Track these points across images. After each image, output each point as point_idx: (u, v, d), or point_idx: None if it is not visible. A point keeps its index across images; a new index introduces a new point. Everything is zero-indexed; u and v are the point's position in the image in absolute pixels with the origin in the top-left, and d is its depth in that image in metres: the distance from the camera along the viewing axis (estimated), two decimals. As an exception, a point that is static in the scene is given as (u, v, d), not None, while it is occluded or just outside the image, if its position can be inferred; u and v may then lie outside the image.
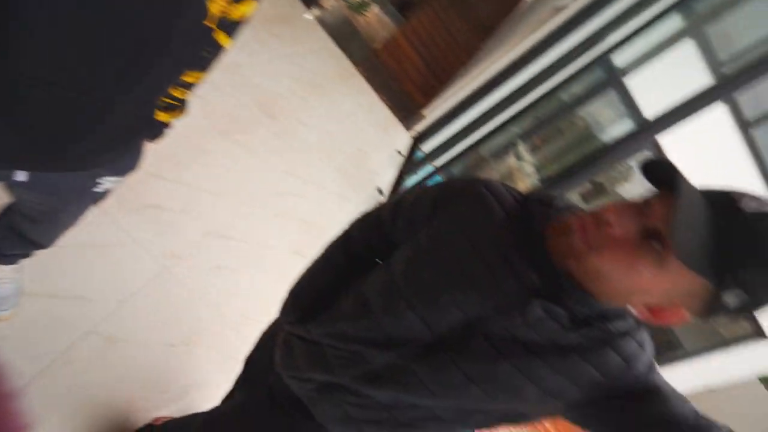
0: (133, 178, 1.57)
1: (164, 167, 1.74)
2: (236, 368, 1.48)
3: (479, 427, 0.68)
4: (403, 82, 5.82)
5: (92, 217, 1.36)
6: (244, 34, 2.99)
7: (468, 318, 0.56)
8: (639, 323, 0.58)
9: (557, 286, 0.53)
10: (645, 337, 0.57)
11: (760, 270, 0.42)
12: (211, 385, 1.43)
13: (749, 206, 0.43)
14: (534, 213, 0.58)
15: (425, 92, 5.82)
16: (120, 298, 1.36)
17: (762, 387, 6.62)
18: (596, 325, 0.54)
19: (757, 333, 5.62)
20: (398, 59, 5.78)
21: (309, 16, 4.63)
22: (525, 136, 3.62)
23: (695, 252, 0.41)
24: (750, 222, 0.42)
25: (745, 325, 5.84)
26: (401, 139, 4.57)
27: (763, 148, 4.38)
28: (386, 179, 3.63)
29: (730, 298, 0.43)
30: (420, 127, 4.77)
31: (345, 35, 5.40)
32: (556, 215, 0.58)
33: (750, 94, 4.28)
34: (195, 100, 2.15)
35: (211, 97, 2.27)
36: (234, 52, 2.85)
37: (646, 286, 0.48)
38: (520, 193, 0.64)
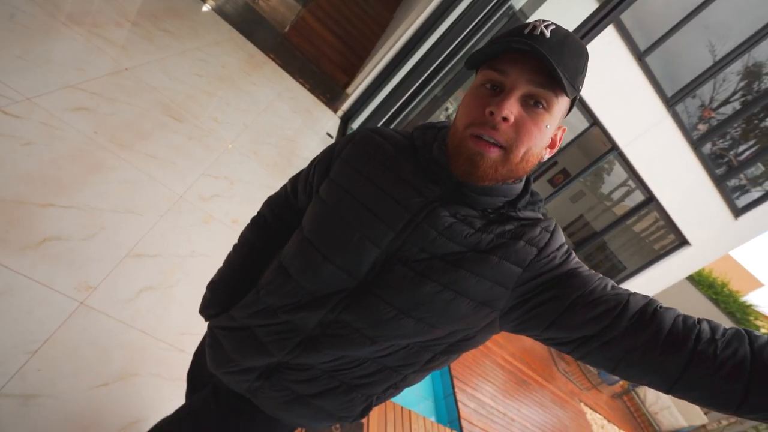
0: (14, 213, 1.40)
1: (53, 194, 1.53)
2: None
3: (431, 367, 0.66)
4: (321, 62, 5.62)
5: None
6: (128, 34, 2.74)
7: (384, 252, 0.56)
8: (544, 214, 0.62)
9: (460, 193, 0.56)
10: (552, 224, 0.59)
11: (585, 69, 0.54)
12: (164, 412, 1.32)
13: (550, 30, 0.50)
14: (418, 141, 0.61)
15: (345, 70, 5.68)
16: (30, 349, 1.18)
17: (689, 284, 7.53)
18: (506, 217, 0.57)
19: (682, 242, 6.33)
20: (310, 40, 5.55)
21: (206, 7, 4.29)
22: (448, 91, 3.65)
23: (572, 80, 0.50)
24: (558, 38, 0.50)
25: (671, 237, 6.55)
26: (330, 120, 4.44)
27: (657, 75, 4.81)
28: (321, 164, 3.52)
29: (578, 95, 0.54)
30: (346, 105, 4.66)
31: (249, 23, 5.08)
32: (442, 136, 0.60)
33: (640, 27, 4.64)
34: (79, 115, 1.93)
35: (101, 109, 2.02)
36: (117, 54, 2.58)
37: (549, 134, 0.54)
38: (404, 130, 0.67)
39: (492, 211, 0.57)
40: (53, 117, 1.77)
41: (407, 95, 2.74)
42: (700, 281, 8.55)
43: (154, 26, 3.04)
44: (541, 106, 0.51)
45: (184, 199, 2.01)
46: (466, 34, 2.83)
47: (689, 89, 4.97)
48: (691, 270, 6.85)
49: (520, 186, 0.59)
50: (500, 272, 0.54)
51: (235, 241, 0.82)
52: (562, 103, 0.53)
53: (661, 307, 0.50)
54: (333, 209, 0.60)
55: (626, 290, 0.53)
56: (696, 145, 5.45)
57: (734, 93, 5.64)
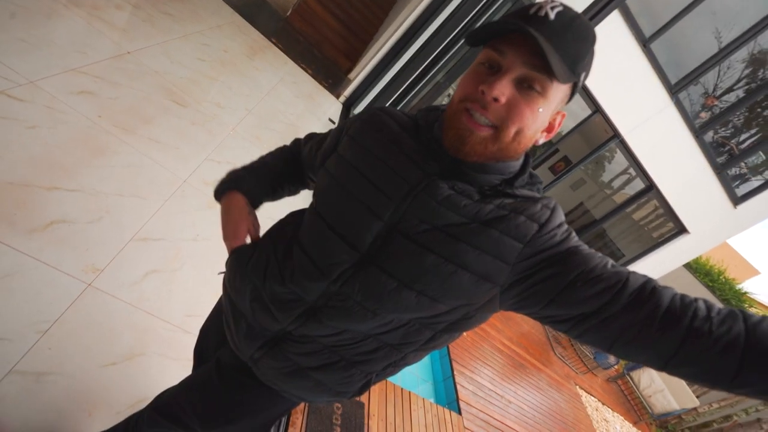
0: (21, 195, 1.41)
1: (58, 177, 1.54)
2: (191, 366, 1.43)
3: (431, 346, 0.67)
4: (324, 47, 5.55)
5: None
6: (129, 17, 2.71)
7: (386, 224, 0.57)
8: (541, 191, 0.63)
9: (458, 170, 0.58)
10: (552, 202, 0.59)
11: (590, 55, 0.53)
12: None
13: (556, 12, 0.50)
14: (422, 120, 0.64)
15: (348, 55, 5.62)
16: (40, 329, 1.22)
17: (686, 271, 7.59)
18: (505, 193, 0.58)
19: (681, 230, 6.36)
20: (313, 24, 5.47)
21: (206, -11, 4.21)
22: (451, 77, 3.62)
23: (566, 70, 0.50)
24: (563, 20, 0.50)
25: (670, 225, 6.58)
26: (332, 106, 4.42)
27: (661, 61, 4.75)
28: (323, 150, 3.51)
29: (579, 81, 0.54)
30: (348, 91, 4.63)
31: (251, 6, 5.00)
32: (442, 113, 0.61)
33: (646, 12, 4.56)
34: (83, 99, 1.93)
35: (104, 93, 2.02)
36: (119, 38, 2.56)
37: (543, 118, 0.55)
38: (410, 112, 0.69)
39: (489, 188, 0.58)
40: (57, 100, 1.77)
41: (409, 81, 2.72)
42: (697, 269, 8.62)
43: (155, 9, 3.00)
44: (535, 90, 0.52)
45: (188, 184, 2.03)
46: (469, 19, 2.80)
47: (693, 76, 4.92)
48: (689, 258, 6.89)
49: (517, 165, 0.60)
50: (501, 246, 0.54)
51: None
52: (560, 88, 0.53)
53: (659, 285, 0.50)
54: (339, 183, 0.63)
55: (626, 269, 0.53)
56: (698, 133, 5.42)
57: (738, 81, 5.58)
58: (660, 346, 0.47)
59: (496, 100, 0.51)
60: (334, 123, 4.12)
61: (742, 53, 5.25)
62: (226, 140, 2.53)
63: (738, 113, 5.88)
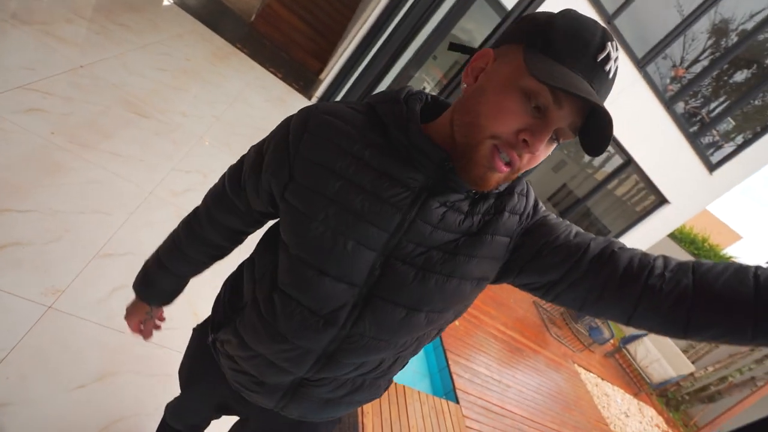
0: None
1: (10, 198, 1.47)
2: (170, 382, 1.37)
3: (436, 335, 0.69)
4: (292, 50, 5.48)
5: None
6: (81, 30, 2.63)
7: (381, 254, 0.54)
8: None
9: (442, 173, 0.53)
10: (525, 187, 0.60)
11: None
12: (149, 406, 1.31)
13: (612, 64, 0.46)
14: (386, 117, 0.55)
15: (318, 56, 5.56)
16: (-2, 357, 1.15)
17: (671, 241, 7.72)
18: (488, 193, 0.57)
19: (662, 201, 6.48)
20: (279, 28, 5.40)
21: (166, 4, 4.11)
22: (418, 63, 3.59)
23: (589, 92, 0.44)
24: (613, 79, 0.47)
25: (651, 197, 6.70)
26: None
27: (627, 37, 4.82)
28: (297, 152, 3.46)
29: None
30: (320, 91, 4.58)
31: (213, 14, 4.90)
32: (415, 116, 0.54)
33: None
34: (33, 116, 1.85)
35: (56, 109, 1.94)
36: (70, 52, 2.48)
37: None
38: (357, 103, 0.59)
39: (475, 191, 0.56)
40: (4, 120, 1.69)
41: (377, 73, 2.70)
42: (681, 238, 8.78)
43: (109, 21, 2.91)
44: (557, 141, 0.50)
45: (155, 195, 1.96)
46: (431, 5, 2.77)
47: (659, 49, 5.00)
48: (672, 227, 7.02)
49: None
50: (493, 248, 0.56)
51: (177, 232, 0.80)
52: None
53: (620, 248, 0.53)
54: (314, 218, 0.53)
55: (590, 235, 0.56)
56: (668, 104, 5.52)
57: (703, 51, 5.71)
58: (621, 305, 0.50)
59: (532, 153, 0.47)
60: (307, 124, 4.07)
61: (704, 24, 5.36)
62: (194, 149, 2.46)
63: (706, 83, 6.01)
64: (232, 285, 0.73)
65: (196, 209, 0.77)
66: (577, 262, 0.52)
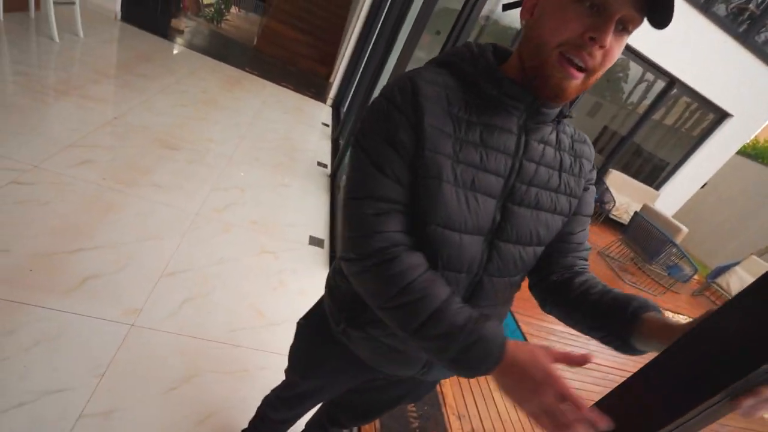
0: (50, 263, 1.50)
1: (78, 239, 1.62)
2: (248, 377, 1.45)
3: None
4: (299, 62, 5.62)
5: (23, 316, 1.28)
6: (109, 87, 2.86)
7: (500, 200, 0.59)
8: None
9: (536, 113, 0.58)
10: (587, 138, 0.69)
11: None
12: (234, 400, 1.38)
13: None
14: (479, 76, 0.58)
15: (324, 61, 5.65)
16: (97, 373, 1.27)
17: (748, 161, 6.90)
18: (562, 122, 0.64)
19: (722, 116, 5.84)
20: (281, 45, 5.56)
21: (177, 48, 4.39)
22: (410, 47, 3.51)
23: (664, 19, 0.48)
24: None
25: (709, 116, 6.06)
26: (321, 111, 4.44)
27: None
28: (324, 152, 3.53)
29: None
30: (332, 93, 4.64)
31: (218, 47, 5.15)
32: (494, 64, 0.58)
33: None
34: (84, 168, 2.03)
35: (102, 157, 2.12)
36: (103, 108, 2.70)
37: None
38: (435, 67, 0.60)
39: (555, 120, 0.62)
40: (62, 175, 1.88)
41: (377, 62, 2.70)
42: (757, 154, 7.85)
43: (129, 74, 3.15)
44: (627, 31, 0.50)
45: (201, 216, 2.08)
46: None
47: (679, -51, 4.51)
48: (742, 142, 6.30)
49: None
50: (575, 186, 0.64)
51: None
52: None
53: (580, 275, 0.66)
54: (451, 183, 0.55)
55: (585, 244, 0.70)
56: (706, 8, 4.96)
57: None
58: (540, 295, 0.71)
59: (602, 47, 0.49)
60: (328, 126, 4.14)
61: None
62: (227, 169, 2.59)
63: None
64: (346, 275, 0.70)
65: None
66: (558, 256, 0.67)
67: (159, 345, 1.43)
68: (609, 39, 0.48)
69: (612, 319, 0.56)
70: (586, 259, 0.69)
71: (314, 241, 2.33)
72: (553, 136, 0.62)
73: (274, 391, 1.07)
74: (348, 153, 0.61)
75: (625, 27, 0.49)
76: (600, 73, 0.53)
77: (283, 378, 1.00)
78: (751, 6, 5.43)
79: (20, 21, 3.20)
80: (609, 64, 0.52)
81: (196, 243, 1.91)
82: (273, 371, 1.49)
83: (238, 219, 2.18)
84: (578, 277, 0.65)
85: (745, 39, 5.21)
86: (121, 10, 4.22)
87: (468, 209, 0.56)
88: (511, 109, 0.57)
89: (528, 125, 0.58)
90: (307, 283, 2.00)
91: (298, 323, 0.87)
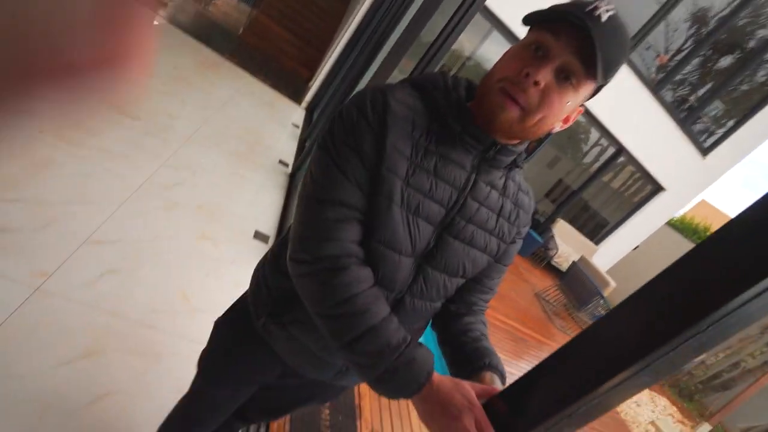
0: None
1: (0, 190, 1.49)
2: (158, 362, 1.37)
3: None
4: (282, 60, 5.60)
5: None
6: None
7: (436, 228, 0.61)
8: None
9: (490, 157, 0.61)
10: (530, 190, 0.72)
11: (622, 63, 0.55)
12: (138, 383, 1.30)
13: (604, 16, 0.51)
14: (443, 108, 0.60)
15: (306, 64, 5.67)
16: (-17, 335, 1.15)
17: (673, 232, 7.67)
18: (512, 174, 0.66)
19: (657, 188, 6.47)
20: (268, 39, 5.53)
21: (154, 20, 4.23)
22: (394, 60, 3.64)
23: (603, 71, 0.52)
24: (612, 25, 0.51)
25: (648, 187, 6.69)
26: (294, 112, 4.43)
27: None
28: (288, 151, 3.50)
29: (604, 85, 0.57)
30: (309, 96, 4.66)
31: (203, 28, 5.02)
32: (456, 93, 0.61)
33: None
34: (22, 116, 1.89)
35: (42, 108, 1.98)
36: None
37: (567, 110, 0.57)
38: (409, 86, 0.62)
39: (507, 167, 0.64)
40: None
41: (354, 75, 2.77)
42: (683, 228, 8.74)
43: (96, 33, 2.99)
44: (570, 82, 0.54)
45: (144, 189, 1.98)
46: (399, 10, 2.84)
47: (640, 36, 5.09)
48: (671, 214, 7.00)
49: (524, 146, 0.65)
50: (509, 232, 0.67)
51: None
52: (589, 86, 0.55)
53: (473, 314, 0.72)
54: (398, 205, 0.57)
55: (490, 293, 0.74)
56: (656, 90, 5.58)
57: (686, 40, 5.80)
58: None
59: (536, 83, 0.53)
60: (298, 127, 4.13)
61: (681, 13, 5.46)
62: (183, 148, 2.50)
63: (692, 70, 6.08)
64: (280, 271, 0.69)
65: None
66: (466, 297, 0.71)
67: (64, 314, 1.32)
68: (542, 77, 0.52)
69: (461, 364, 0.65)
70: (487, 302, 0.74)
71: (259, 236, 2.29)
72: (501, 182, 0.64)
73: (174, 413, 0.93)
74: (312, 153, 0.63)
75: (568, 77, 0.53)
76: (537, 116, 0.55)
77: (185, 392, 0.90)
78: (692, 98, 6.18)
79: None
80: (548, 110, 0.54)
81: (133, 215, 1.81)
82: (186, 360, 1.42)
83: (183, 199, 2.10)
84: (469, 316, 0.71)
85: (684, 125, 5.88)
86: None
87: (410, 233, 0.59)
88: (469, 147, 0.59)
89: (481, 166, 0.61)
90: (243, 276, 1.93)
91: (216, 322, 0.84)
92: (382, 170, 0.55)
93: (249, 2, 6.85)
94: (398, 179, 0.56)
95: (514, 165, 0.65)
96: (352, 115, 0.57)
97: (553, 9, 0.53)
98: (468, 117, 0.59)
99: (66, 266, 1.44)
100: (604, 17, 0.51)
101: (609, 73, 0.53)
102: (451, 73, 0.64)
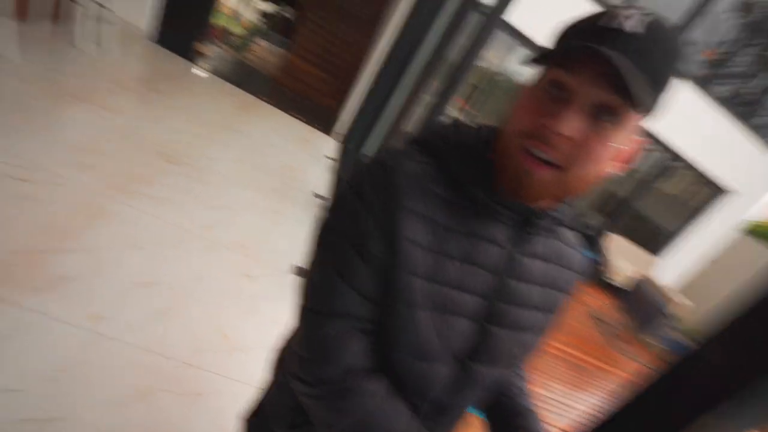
0: (22, 259, 1.49)
1: (60, 240, 1.63)
2: (200, 399, 1.39)
3: None
4: (314, 96, 5.87)
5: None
6: (121, 99, 2.97)
7: (476, 321, 0.51)
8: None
9: (523, 222, 0.50)
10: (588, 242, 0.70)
11: (672, 63, 0.41)
12: (181, 423, 1.32)
13: (631, 26, 0.40)
14: (464, 177, 0.49)
15: (335, 97, 5.90)
16: (49, 377, 1.23)
17: (749, 238, 6.85)
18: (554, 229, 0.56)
19: (720, 191, 5.91)
20: (299, 78, 5.84)
21: (199, 71, 4.62)
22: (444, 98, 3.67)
23: (647, 98, 0.40)
24: (644, 30, 0.40)
25: (708, 190, 6.13)
26: (327, 144, 4.57)
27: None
28: (323, 184, 3.59)
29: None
30: (341, 128, 4.79)
31: (240, 75, 5.42)
32: (475, 149, 0.50)
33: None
34: (81, 170, 2.07)
35: (101, 164, 2.18)
36: (113, 116, 2.78)
37: (613, 152, 0.44)
38: (417, 150, 0.51)
39: (552, 226, 0.54)
40: (59, 176, 1.92)
41: (399, 106, 2.82)
42: (763, 234, 7.85)
43: (147, 89, 3.30)
44: (609, 120, 0.41)
45: (185, 230, 2.09)
46: (442, 38, 2.88)
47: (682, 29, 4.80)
48: (740, 217, 6.33)
49: (571, 203, 0.55)
50: (556, 300, 0.58)
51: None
52: (636, 115, 0.42)
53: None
54: (423, 308, 0.48)
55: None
56: (705, 87, 5.19)
57: (732, 32, 5.41)
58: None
59: (560, 134, 0.41)
60: (332, 159, 4.24)
61: (722, 5, 5.13)
62: (222, 188, 2.63)
63: (744, 62, 5.62)
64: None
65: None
66: None
67: (117, 357, 1.38)
68: (568, 127, 0.41)
69: (496, 422, 0.67)
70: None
71: (298, 272, 2.32)
72: (546, 248, 0.54)
73: None
74: (309, 248, 0.52)
75: (608, 113, 0.41)
76: (579, 171, 0.43)
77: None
78: (748, 91, 5.67)
79: (50, 30, 3.41)
80: (590, 161, 0.43)
81: (177, 257, 1.90)
82: (228, 398, 1.43)
83: (224, 239, 2.19)
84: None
85: (746, 120, 5.39)
86: (150, 29, 4.49)
87: (438, 335, 0.49)
88: (500, 217, 0.49)
89: (518, 236, 0.50)
90: (282, 312, 1.96)
91: (247, 420, 0.74)
92: (399, 273, 0.46)
93: (283, 47, 7.31)
94: (417, 278, 0.46)
95: (557, 223, 0.53)
96: (351, 204, 0.47)
97: (561, 42, 0.43)
98: (490, 180, 0.48)
99: (117, 310, 1.52)
100: (629, 25, 0.39)
101: (657, 89, 0.41)
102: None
